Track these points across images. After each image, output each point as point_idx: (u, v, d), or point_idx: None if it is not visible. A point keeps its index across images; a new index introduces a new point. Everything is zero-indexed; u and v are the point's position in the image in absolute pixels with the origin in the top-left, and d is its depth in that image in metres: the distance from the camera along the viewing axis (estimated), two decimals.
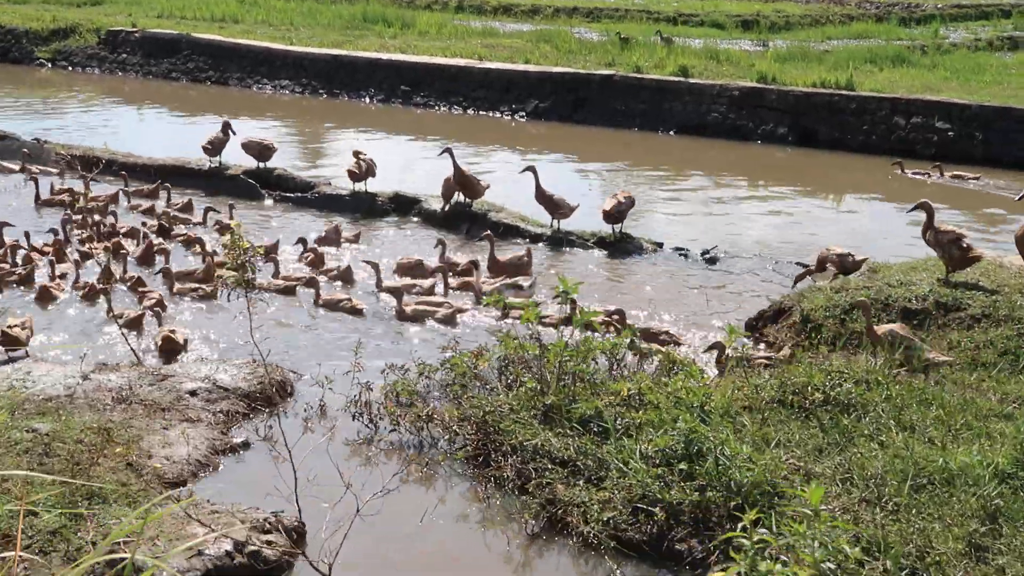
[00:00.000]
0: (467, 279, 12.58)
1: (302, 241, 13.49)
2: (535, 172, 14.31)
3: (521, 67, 25.94)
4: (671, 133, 23.44)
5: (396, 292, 11.86)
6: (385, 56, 27.65)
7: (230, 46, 29.55)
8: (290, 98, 27.68)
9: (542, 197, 14.34)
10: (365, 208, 15.57)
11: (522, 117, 24.95)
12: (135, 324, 11.01)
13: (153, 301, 11.52)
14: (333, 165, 18.93)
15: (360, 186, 15.88)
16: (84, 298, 11.92)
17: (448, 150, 14.91)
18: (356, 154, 15.93)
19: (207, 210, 14.86)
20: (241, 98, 27.82)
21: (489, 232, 13.22)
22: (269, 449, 8.56)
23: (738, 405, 8.50)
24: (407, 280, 12.58)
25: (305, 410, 9.16)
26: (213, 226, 14.52)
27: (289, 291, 12.36)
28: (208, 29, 31.83)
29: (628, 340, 9.32)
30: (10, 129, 20.28)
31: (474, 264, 12.73)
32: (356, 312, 11.79)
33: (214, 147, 16.88)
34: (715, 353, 10.08)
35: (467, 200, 15.10)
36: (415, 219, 15.50)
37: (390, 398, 9.17)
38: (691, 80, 24.03)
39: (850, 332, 10.04)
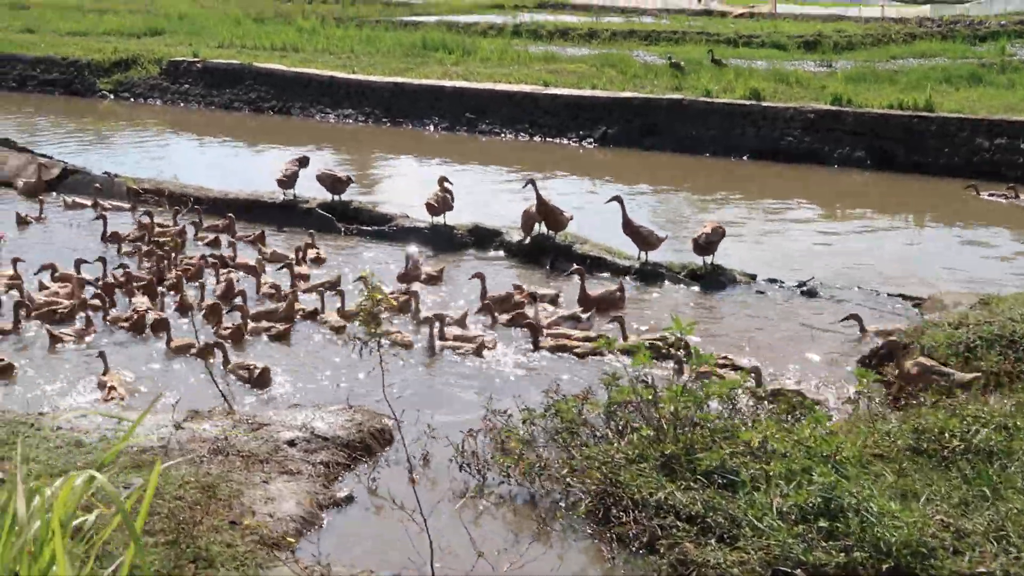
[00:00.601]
0: (521, 311, 12.22)
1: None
2: (622, 203, 13.88)
3: (588, 92, 25.55)
4: (744, 158, 22.91)
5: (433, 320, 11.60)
6: (448, 83, 27.37)
7: (292, 75, 29.42)
8: (353, 127, 27.46)
9: (629, 228, 13.90)
10: (444, 241, 15.16)
11: (590, 143, 24.53)
12: (205, 354, 10.81)
13: (227, 332, 11.45)
14: (400, 195, 18.49)
15: (439, 219, 15.50)
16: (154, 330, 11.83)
17: (531, 181, 14.52)
18: (441, 181, 15.55)
19: (306, 246, 14.63)
20: (304, 127, 27.65)
21: (579, 266, 12.77)
22: (375, 504, 8.16)
23: (870, 453, 7.98)
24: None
25: (408, 460, 8.73)
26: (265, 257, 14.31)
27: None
28: (269, 58, 31.75)
29: (747, 384, 8.83)
30: (77, 162, 20.17)
31: (532, 296, 12.41)
32: (405, 345, 11.47)
33: (288, 180, 16.59)
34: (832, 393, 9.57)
35: (550, 232, 14.67)
36: (496, 252, 15.08)
37: (496, 446, 8.77)
38: (764, 104, 23.52)
39: (977, 371, 9.49)
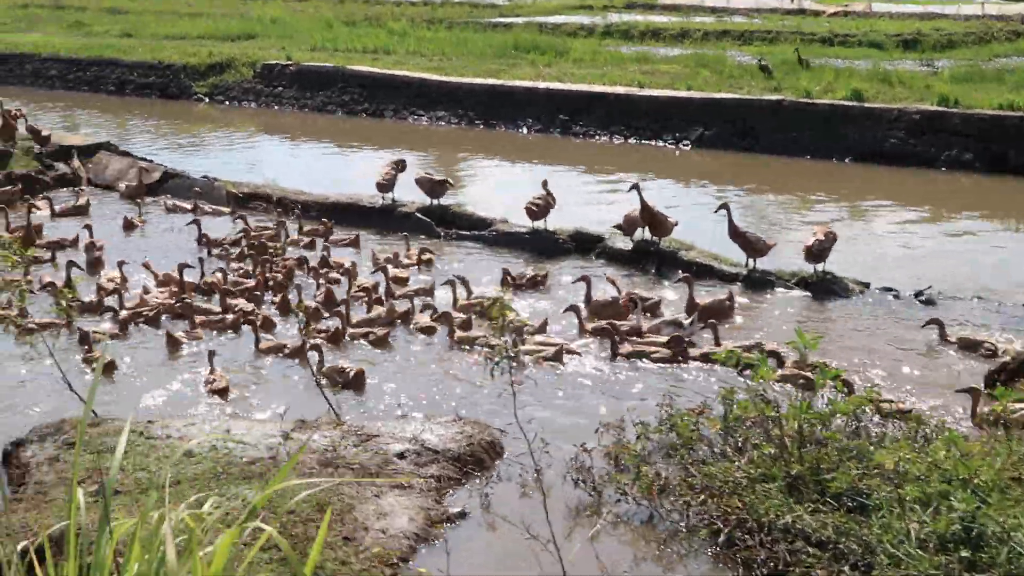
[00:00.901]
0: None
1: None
2: (728, 209, 13.51)
3: (684, 93, 25.13)
4: (846, 161, 22.31)
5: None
6: (542, 85, 27.14)
7: (385, 78, 29.41)
8: (446, 129, 27.34)
9: (736, 234, 13.53)
10: (545, 247, 14.89)
11: (686, 146, 24.11)
12: (300, 355, 10.91)
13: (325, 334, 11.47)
14: (494, 198, 18.22)
15: (539, 223, 15.26)
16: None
17: (636, 185, 14.20)
18: (545, 184, 15.31)
19: (422, 251, 14.52)
20: (397, 130, 27.61)
21: (687, 274, 12.43)
22: (488, 520, 7.95)
23: (1007, 477, 7.56)
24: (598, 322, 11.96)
25: (520, 474, 8.50)
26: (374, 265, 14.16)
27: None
28: (361, 61, 31.80)
29: (874, 401, 8.45)
30: (175, 165, 20.29)
31: (633, 302, 12.24)
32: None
33: (387, 183, 16.48)
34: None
35: (654, 237, 14.35)
36: (598, 258, 14.79)
37: (610, 461, 8.53)
38: (866, 104, 22.90)
39: None
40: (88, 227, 15.10)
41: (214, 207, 17.10)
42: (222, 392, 10.33)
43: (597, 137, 25.41)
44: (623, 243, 14.65)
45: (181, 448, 8.49)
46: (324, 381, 9.82)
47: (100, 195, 18.70)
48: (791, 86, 25.30)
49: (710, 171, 22.08)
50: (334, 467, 8.29)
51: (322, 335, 11.63)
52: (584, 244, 14.98)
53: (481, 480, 8.51)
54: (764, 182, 20.78)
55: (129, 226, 16.24)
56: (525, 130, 26.48)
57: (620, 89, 26.05)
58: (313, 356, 10.62)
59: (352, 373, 10.64)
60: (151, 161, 20.01)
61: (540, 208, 14.98)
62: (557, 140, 25.72)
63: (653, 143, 24.60)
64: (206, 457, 8.33)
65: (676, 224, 14.25)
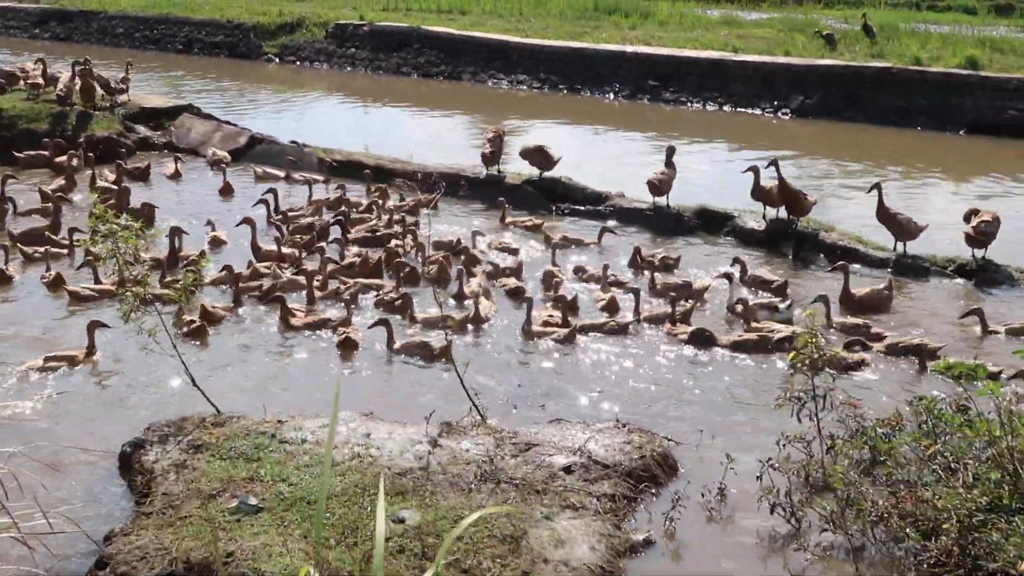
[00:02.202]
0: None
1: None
2: (880, 189, 12.40)
3: (783, 59, 23.90)
4: (960, 132, 21.03)
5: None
6: (630, 48, 25.97)
7: (463, 39, 28.34)
8: (527, 93, 26.28)
9: (885, 216, 12.41)
10: (668, 225, 13.84)
11: (785, 115, 22.92)
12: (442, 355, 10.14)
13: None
14: (585, 168, 16.96)
15: (661, 200, 14.20)
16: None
17: (774, 161, 13.09)
18: (670, 153, 14.19)
19: (603, 230, 13.34)
20: (476, 93, 26.59)
21: (843, 262, 11.33)
22: (672, 548, 7.00)
23: None
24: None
25: (702, 494, 7.52)
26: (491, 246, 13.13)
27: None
28: (436, 21, 30.76)
29: None
30: (253, 127, 19.30)
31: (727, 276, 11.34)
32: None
33: (492, 155, 15.46)
34: None
35: (790, 217, 13.26)
36: (727, 238, 13.72)
37: (800, 479, 7.55)
38: (982, 73, 21.57)
39: None
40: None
41: (306, 175, 16.14)
42: (348, 344, 10.03)
43: (689, 104, 24.27)
44: (755, 222, 13.57)
45: (320, 455, 7.60)
46: (460, 375, 8.83)
47: (185, 161, 17.81)
48: (896, 52, 24.03)
49: (813, 142, 20.89)
50: (495, 482, 7.36)
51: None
52: (711, 222, 13.90)
53: (658, 499, 7.54)
54: (877, 156, 19.53)
55: (227, 191, 15.41)
56: (612, 96, 25.37)
57: (714, 54, 24.86)
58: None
59: (437, 351, 10.04)
60: (235, 125, 19.06)
61: (663, 182, 13.92)
62: (645, 107, 24.60)
63: (749, 111, 23.44)
64: (350, 467, 7.42)
65: (815, 203, 13.15)
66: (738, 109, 23.59)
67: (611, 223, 13.74)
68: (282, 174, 16.22)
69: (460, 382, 8.59)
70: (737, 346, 10.16)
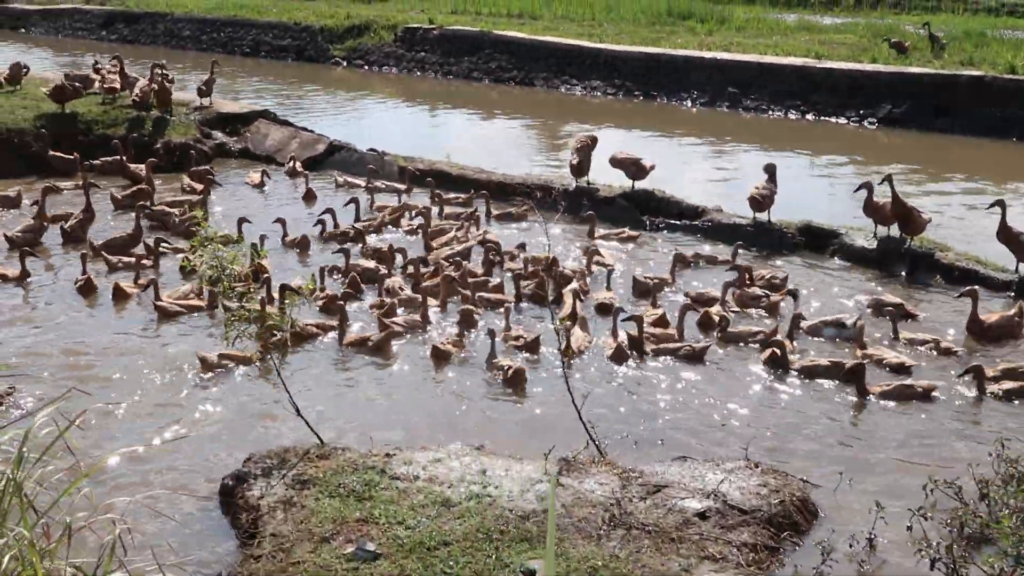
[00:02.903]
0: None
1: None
2: (1003, 206, 11.71)
3: (869, 67, 23.11)
4: None
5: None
6: (707, 55, 25.28)
7: (535, 44, 27.77)
8: (602, 100, 25.67)
9: (1008, 235, 11.71)
10: (771, 242, 13.19)
11: (872, 124, 22.15)
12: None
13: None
14: (665, 179, 16.35)
15: (762, 216, 13.57)
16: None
17: (888, 177, 12.45)
18: (771, 170, 13.59)
19: (737, 247, 12.62)
20: (549, 100, 26.04)
21: (973, 287, 10.64)
22: None
23: None
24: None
25: (849, 544, 6.92)
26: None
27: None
28: (507, 25, 30.23)
29: None
30: (326, 133, 18.87)
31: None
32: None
33: (581, 165, 14.90)
34: None
35: (903, 235, 12.58)
36: (834, 258, 13.05)
37: (953, 530, 6.94)
38: None
39: None
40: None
41: (388, 184, 15.69)
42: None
43: (770, 112, 23.56)
44: (865, 240, 12.90)
45: (436, 494, 7.09)
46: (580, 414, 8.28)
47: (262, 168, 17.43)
48: (984, 59, 23.18)
49: (904, 153, 20.14)
50: (625, 528, 6.81)
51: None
52: (816, 240, 13.24)
53: (801, 550, 6.95)
54: (976, 169, 18.73)
55: (310, 197, 15.10)
56: (689, 103, 24.70)
57: (796, 60, 24.14)
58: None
59: (511, 371, 9.58)
60: (312, 131, 18.65)
61: (765, 198, 13.30)
62: (724, 115, 23.92)
63: (834, 120, 22.69)
64: (469, 509, 6.91)
65: (930, 220, 12.47)
66: (821, 118, 22.84)
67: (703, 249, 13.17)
68: (363, 183, 15.75)
69: (577, 414, 8.06)
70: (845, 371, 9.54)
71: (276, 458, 7.72)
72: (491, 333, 10.07)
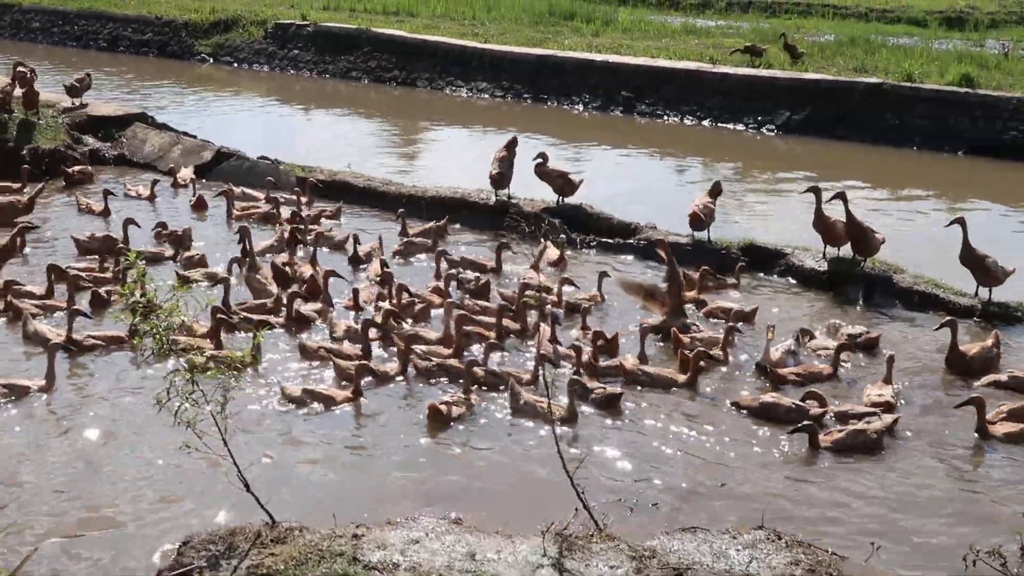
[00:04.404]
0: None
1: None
2: (964, 225, 11.14)
3: (766, 73, 22.71)
4: (959, 154, 20.01)
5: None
6: (598, 57, 24.52)
7: (417, 43, 26.60)
8: (488, 103, 24.68)
9: (972, 260, 11.14)
10: (711, 262, 12.33)
11: (770, 131, 21.71)
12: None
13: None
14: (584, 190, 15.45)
15: (701, 234, 12.76)
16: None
17: (841, 194, 11.76)
18: (716, 191, 12.85)
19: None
20: (433, 102, 24.95)
21: (951, 318, 9.94)
22: None
23: None
24: None
25: None
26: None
27: None
28: (384, 23, 28.99)
29: None
30: (206, 136, 17.34)
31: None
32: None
33: (501, 177, 13.89)
34: None
35: (856, 256, 11.93)
36: (782, 278, 12.32)
37: None
38: (981, 91, 20.60)
39: None
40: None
41: (286, 197, 14.38)
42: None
43: (665, 118, 22.94)
44: (813, 261, 12.19)
45: None
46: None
47: (137, 176, 15.90)
48: (876, 66, 23.05)
49: (805, 161, 19.72)
50: None
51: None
52: (761, 260, 12.47)
53: None
54: (879, 179, 18.35)
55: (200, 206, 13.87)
56: (581, 107, 23.91)
57: (691, 64, 23.59)
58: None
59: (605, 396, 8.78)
60: (194, 136, 17.13)
61: (707, 215, 12.49)
62: (619, 119, 23.22)
63: (730, 127, 22.18)
64: None
65: (884, 241, 11.84)
66: (718, 124, 22.31)
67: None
68: (261, 195, 14.40)
69: (569, 480, 7.00)
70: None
71: (221, 542, 6.47)
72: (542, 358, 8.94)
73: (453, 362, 9.48)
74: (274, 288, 10.93)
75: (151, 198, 14.35)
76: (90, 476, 7.76)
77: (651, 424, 8.82)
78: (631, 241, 13.10)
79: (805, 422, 8.43)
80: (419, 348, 9.62)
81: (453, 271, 11.40)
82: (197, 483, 7.64)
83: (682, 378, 9.35)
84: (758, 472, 8.09)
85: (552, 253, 12.33)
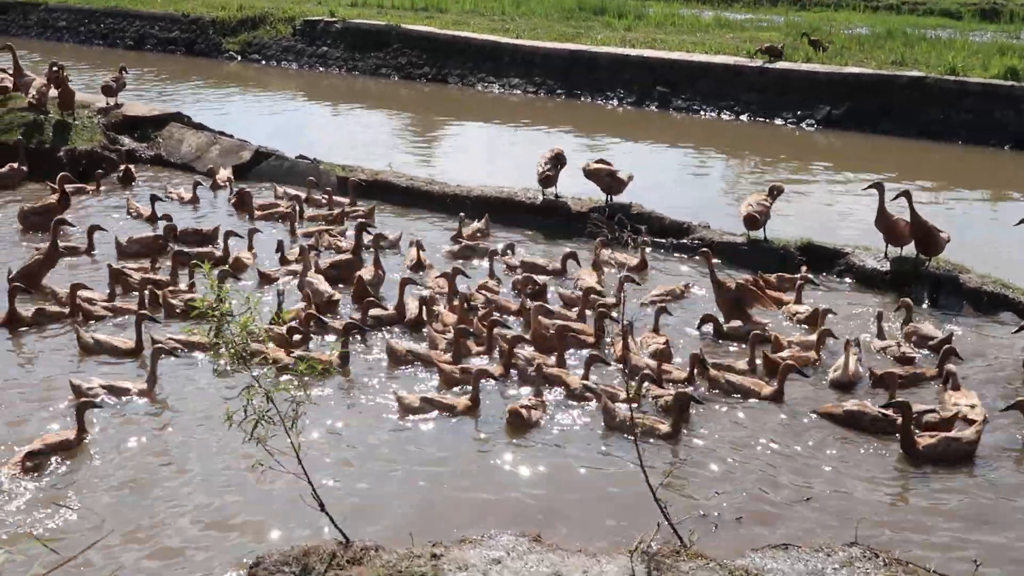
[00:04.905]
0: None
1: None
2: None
3: (806, 67, 22.31)
4: (1006, 148, 19.61)
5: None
6: (633, 52, 24.19)
7: (448, 39, 26.31)
8: (521, 98, 24.39)
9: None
10: (769, 262, 12.01)
11: (810, 126, 21.35)
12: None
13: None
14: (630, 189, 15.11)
15: (757, 234, 12.44)
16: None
17: (906, 192, 11.42)
18: (774, 192, 12.55)
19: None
20: (465, 98, 24.69)
21: None
22: None
23: None
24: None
25: None
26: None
27: None
28: (413, 19, 28.71)
29: None
30: (240, 135, 17.06)
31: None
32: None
33: (550, 176, 13.60)
34: None
35: (920, 255, 11.59)
36: (841, 279, 11.98)
37: None
38: None
39: None
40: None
41: (337, 199, 14.11)
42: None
43: (703, 113, 22.61)
44: (875, 261, 11.86)
45: None
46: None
47: (177, 177, 15.68)
48: (918, 60, 22.63)
49: (847, 156, 19.39)
50: None
51: None
52: (819, 260, 12.13)
53: None
54: (928, 174, 17.97)
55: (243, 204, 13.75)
56: (616, 102, 23.59)
57: (728, 59, 23.22)
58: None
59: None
60: (231, 136, 16.88)
61: (761, 215, 12.17)
62: (654, 115, 22.90)
63: (768, 121, 21.82)
64: None
65: (948, 240, 11.50)
66: (756, 119, 21.96)
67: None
68: (303, 195, 14.14)
69: (652, 494, 6.71)
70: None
71: (295, 563, 6.21)
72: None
73: (555, 370, 9.20)
74: (328, 289, 10.68)
75: (193, 201, 14.09)
76: (156, 492, 7.51)
77: (729, 434, 8.53)
78: (684, 241, 12.78)
79: (898, 399, 8.20)
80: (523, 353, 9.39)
81: (518, 275, 11.28)
82: (269, 501, 7.38)
83: (768, 389, 9.01)
84: (844, 483, 7.78)
85: (630, 258, 12.07)
